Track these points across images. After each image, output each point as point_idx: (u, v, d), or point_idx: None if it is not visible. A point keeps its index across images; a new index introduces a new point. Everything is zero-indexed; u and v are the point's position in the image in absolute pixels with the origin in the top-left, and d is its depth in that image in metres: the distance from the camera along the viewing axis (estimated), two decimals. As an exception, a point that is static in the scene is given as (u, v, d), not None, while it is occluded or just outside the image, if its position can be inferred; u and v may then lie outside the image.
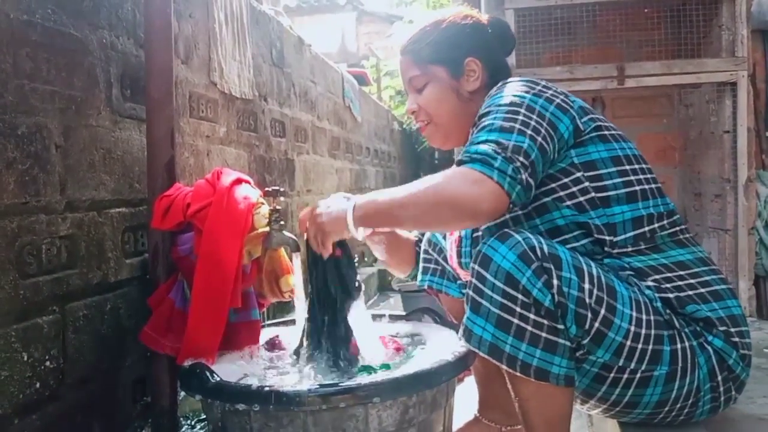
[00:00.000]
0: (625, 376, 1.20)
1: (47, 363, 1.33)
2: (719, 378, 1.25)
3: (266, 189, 1.55)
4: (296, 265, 1.59)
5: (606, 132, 1.34)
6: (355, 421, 1.23)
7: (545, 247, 1.15)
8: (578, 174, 1.29)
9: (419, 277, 1.70)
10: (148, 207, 1.57)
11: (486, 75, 1.44)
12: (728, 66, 2.47)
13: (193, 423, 1.62)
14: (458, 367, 1.33)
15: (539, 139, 1.22)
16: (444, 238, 1.63)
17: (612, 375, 1.20)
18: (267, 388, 1.22)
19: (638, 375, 1.20)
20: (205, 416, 1.60)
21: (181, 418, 1.62)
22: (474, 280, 1.18)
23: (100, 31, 1.54)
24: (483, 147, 1.18)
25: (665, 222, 1.31)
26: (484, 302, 1.16)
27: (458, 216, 1.19)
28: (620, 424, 1.36)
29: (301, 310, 1.58)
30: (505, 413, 1.66)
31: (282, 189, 1.57)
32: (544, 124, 1.24)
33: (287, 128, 3.26)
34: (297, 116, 3.45)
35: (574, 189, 1.29)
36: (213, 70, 2.25)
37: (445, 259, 1.62)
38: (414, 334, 1.66)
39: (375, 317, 1.80)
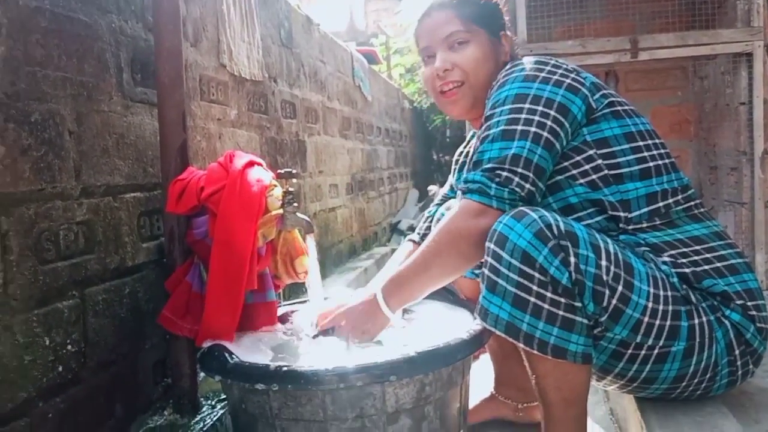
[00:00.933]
0: (643, 352, 1.20)
1: (69, 347, 1.35)
2: (737, 352, 1.24)
3: (279, 171, 1.56)
4: (310, 246, 1.60)
5: (619, 108, 1.33)
6: (373, 399, 1.24)
7: (561, 225, 1.14)
8: (591, 152, 1.30)
9: None
10: (162, 191, 1.58)
11: (510, 53, 1.47)
12: (744, 36, 2.43)
13: (213, 403, 1.64)
14: (473, 344, 1.34)
15: (544, 134, 1.24)
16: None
17: (630, 351, 1.20)
18: (285, 368, 1.23)
19: (656, 351, 1.20)
20: (225, 396, 1.62)
21: (202, 399, 1.65)
22: (490, 259, 1.18)
23: (108, 16, 1.54)
24: (479, 175, 1.23)
25: (680, 197, 1.30)
26: (500, 281, 1.16)
27: (476, 246, 1.24)
28: (637, 399, 1.37)
29: (315, 291, 1.60)
30: (521, 390, 1.67)
31: (294, 171, 1.57)
32: (552, 113, 1.25)
33: (298, 109, 3.25)
34: (307, 97, 3.44)
35: (587, 167, 1.29)
36: (222, 52, 2.24)
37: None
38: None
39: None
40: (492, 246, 1.17)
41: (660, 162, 1.32)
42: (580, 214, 1.30)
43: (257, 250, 1.49)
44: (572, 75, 1.31)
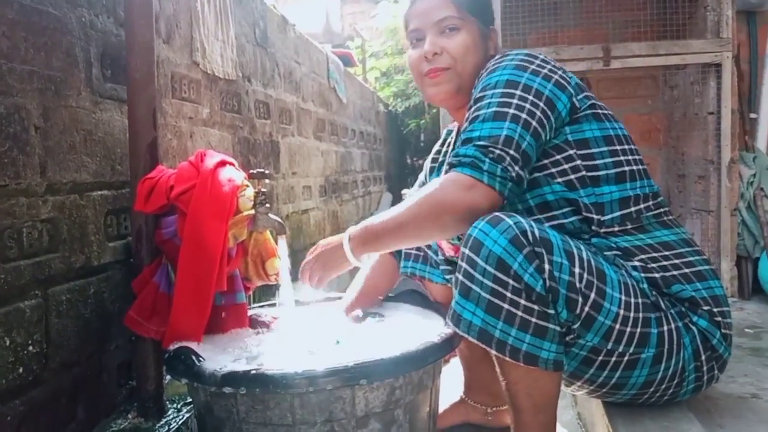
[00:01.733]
0: (613, 359, 1.21)
1: (30, 348, 1.31)
2: (703, 357, 1.26)
3: (251, 171, 1.54)
4: (282, 248, 1.58)
5: (599, 111, 1.35)
6: (342, 402, 1.23)
7: (536, 231, 1.14)
8: (571, 152, 1.30)
9: (401, 263, 1.69)
10: (130, 189, 1.55)
11: (496, 46, 1.47)
12: (713, 47, 2.48)
13: (179, 406, 1.61)
14: (444, 348, 1.34)
15: (533, 123, 1.24)
16: None
17: (600, 358, 1.21)
18: (253, 371, 1.21)
19: (626, 358, 1.20)
20: (191, 400, 1.59)
21: (167, 402, 1.62)
22: (464, 265, 1.17)
23: (79, 10, 1.50)
24: (471, 149, 1.22)
25: (651, 203, 1.32)
26: (474, 287, 1.15)
27: (458, 221, 1.22)
28: (604, 404, 1.38)
29: (286, 293, 1.58)
30: (491, 395, 1.67)
31: (267, 171, 1.55)
32: (541, 105, 1.25)
33: (272, 109, 3.23)
34: (281, 97, 3.41)
35: (566, 166, 1.30)
36: (195, 50, 2.21)
37: (428, 245, 1.61)
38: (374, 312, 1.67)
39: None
40: (467, 251, 1.17)
41: (635, 167, 1.33)
42: (555, 212, 1.30)
43: (228, 251, 1.47)
44: (559, 72, 1.32)
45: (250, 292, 1.66)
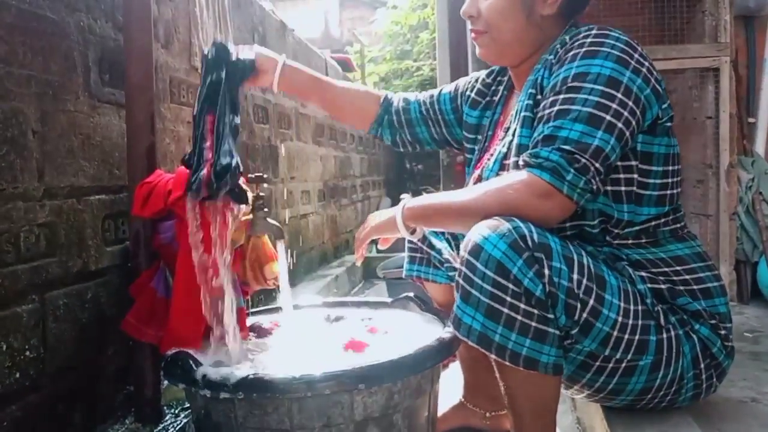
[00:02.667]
0: (611, 365, 1.20)
1: (27, 352, 1.31)
2: (702, 365, 1.26)
3: (249, 176, 1.53)
4: (280, 253, 1.58)
5: (672, 123, 1.28)
6: (341, 407, 1.23)
7: (536, 236, 1.13)
8: (633, 163, 1.24)
9: (405, 267, 1.69)
10: (128, 194, 1.54)
11: (565, 0, 1.31)
12: (711, 52, 2.48)
13: (176, 412, 1.61)
14: (443, 353, 1.33)
15: (627, 134, 1.17)
16: None
17: (598, 363, 1.20)
18: (251, 376, 1.21)
19: (624, 364, 1.20)
20: (188, 405, 1.58)
21: (165, 407, 1.61)
22: (464, 269, 1.16)
23: (77, 14, 1.50)
24: (556, 155, 1.13)
25: (669, 218, 1.29)
26: (474, 291, 1.14)
27: None
28: (604, 409, 1.37)
29: (285, 298, 1.57)
30: (490, 399, 1.67)
31: (266, 176, 1.55)
32: (638, 113, 1.18)
33: (270, 114, 3.23)
34: (280, 102, 3.41)
35: (622, 176, 1.24)
36: (194, 54, 2.21)
37: (430, 246, 1.61)
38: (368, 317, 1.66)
39: (359, 304, 1.80)
40: (467, 256, 1.15)
41: (675, 191, 1.29)
42: (585, 221, 1.26)
43: (225, 256, 1.46)
44: (655, 73, 1.23)
45: (249, 297, 1.65)
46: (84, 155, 1.51)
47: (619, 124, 1.15)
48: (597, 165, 1.13)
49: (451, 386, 1.76)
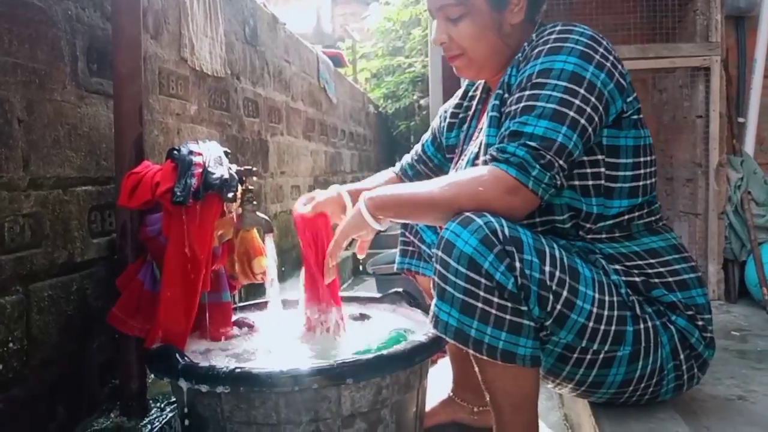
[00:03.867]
0: (588, 356, 1.20)
1: (10, 344, 1.29)
2: (681, 356, 1.26)
3: (238, 169, 1.52)
4: (269, 247, 1.57)
5: (641, 116, 1.28)
6: (328, 402, 1.22)
7: (506, 230, 1.13)
8: (599, 157, 1.25)
9: (397, 260, 1.69)
10: (115, 185, 1.53)
11: (528, 2, 1.33)
12: (702, 51, 2.48)
13: (162, 406, 1.60)
14: (432, 348, 1.33)
15: (589, 130, 1.18)
16: None
17: (575, 355, 1.20)
18: (238, 370, 1.20)
19: (601, 355, 1.20)
20: (174, 399, 1.57)
21: (150, 401, 1.60)
22: (438, 266, 1.16)
23: (65, 2, 1.48)
24: (522, 150, 1.14)
25: (644, 211, 1.30)
26: (448, 288, 1.15)
27: None
28: (591, 405, 1.38)
29: (273, 292, 1.56)
30: (479, 393, 1.65)
31: (255, 169, 1.54)
32: (601, 108, 1.19)
33: (260, 108, 3.21)
34: (271, 96, 3.39)
35: (588, 170, 1.25)
36: (184, 46, 2.19)
37: (421, 240, 1.61)
38: (363, 313, 1.67)
39: (348, 300, 1.79)
40: (439, 253, 1.16)
41: (648, 182, 1.29)
42: (555, 216, 1.27)
43: (213, 250, 1.45)
44: (620, 67, 1.24)
45: (236, 291, 1.64)
46: (70, 145, 1.49)
47: (582, 120, 1.17)
48: (561, 162, 1.15)
49: (440, 381, 1.76)
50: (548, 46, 1.23)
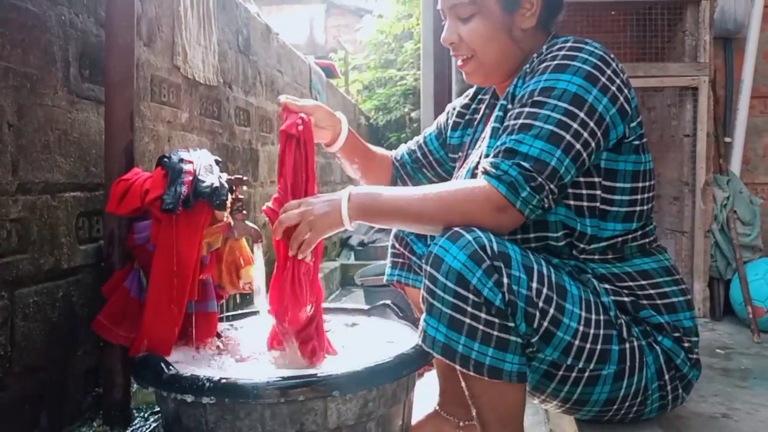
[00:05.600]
0: (574, 374, 1.20)
1: (-7, 351, 1.28)
2: (666, 377, 1.26)
3: (228, 178, 1.52)
4: (257, 256, 1.56)
5: (643, 141, 1.28)
6: (314, 414, 1.21)
7: (495, 245, 1.13)
8: (596, 179, 1.24)
9: (387, 272, 1.69)
10: (104, 192, 1.52)
11: (542, 7, 1.30)
12: (690, 71, 2.51)
13: (146, 415, 1.58)
14: (419, 361, 1.33)
15: (584, 155, 1.17)
16: (411, 232, 1.61)
17: (560, 373, 1.20)
18: (224, 380, 1.19)
19: (586, 374, 1.20)
20: (159, 408, 1.56)
21: (134, 411, 1.58)
22: (426, 281, 1.16)
23: (58, 8, 1.48)
24: (515, 170, 1.14)
25: (638, 234, 1.30)
26: (436, 303, 1.15)
27: None
28: (576, 421, 1.38)
29: (261, 302, 1.56)
30: (465, 407, 1.65)
31: (245, 178, 1.53)
32: (599, 134, 1.18)
33: (252, 117, 3.21)
34: (262, 105, 3.40)
35: (584, 191, 1.24)
36: (177, 54, 2.19)
37: (412, 252, 1.61)
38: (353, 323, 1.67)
39: (336, 311, 1.79)
40: (428, 268, 1.16)
41: (645, 207, 1.29)
42: (549, 233, 1.27)
43: (201, 259, 1.44)
44: (626, 91, 1.22)
45: (223, 301, 1.64)
46: (60, 151, 1.48)
47: (578, 145, 1.16)
48: (551, 185, 1.15)
49: (426, 394, 1.75)
50: (555, 62, 1.21)
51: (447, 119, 1.63)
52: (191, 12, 2.29)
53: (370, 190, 1.27)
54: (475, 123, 1.52)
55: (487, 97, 1.51)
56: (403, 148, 1.72)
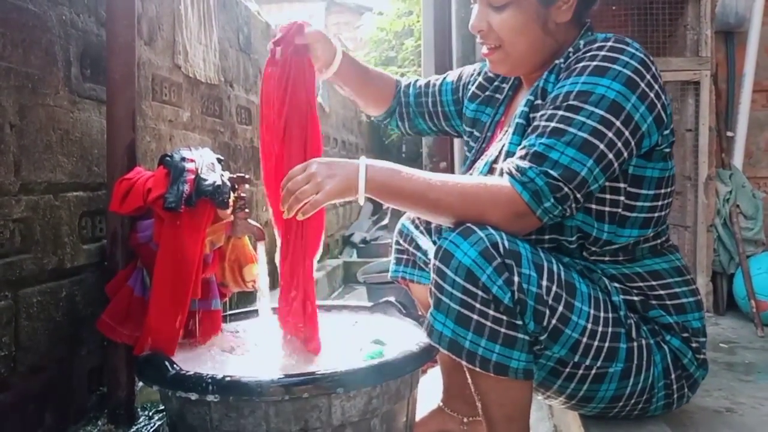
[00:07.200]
0: (581, 371, 1.20)
1: (-2, 351, 1.28)
2: (673, 376, 1.26)
3: (231, 176, 1.52)
4: (260, 254, 1.56)
5: (672, 148, 1.26)
6: (318, 411, 1.22)
7: (506, 243, 1.12)
8: (622, 185, 1.22)
9: (391, 268, 1.68)
10: (107, 191, 1.52)
11: (578, 1, 1.25)
12: (692, 65, 2.51)
13: (150, 414, 1.58)
14: (423, 358, 1.33)
15: (615, 164, 1.15)
16: (416, 227, 1.61)
17: (567, 370, 1.20)
18: (228, 378, 1.19)
19: (593, 371, 1.20)
20: (163, 407, 1.56)
21: (139, 409, 1.59)
22: (435, 276, 1.16)
23: (59, 8, 1.48)
24: (542, 180, 1.11)
25: (651, 236, 1.28)
26: (444, 298, 1.14)
27: None
28: (581, 417, 1.38)
29: (264, 300, 1.56)
30: (469, 404, 1.66)
31: (247, 176, 1.53)
32: (633, 143, 1.16)
33: (253, 115, 3.21)
34: (264, 104, 3.39)
35: (608, 197, 1.22)
36: (177, 52, 2.19)
37: (416, 248, 1.61)
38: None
39: (339, 308, 1.79)
40: (437, 263, 1.15)
41: (663, 213, 1.27)
42: (564, 237, 1.25)
43: (204, 258, 1.45)
44: (663, 98, 1.19)
45: (227, 299, 1.64)
46: (62, 151, 1.48)
47: (610, 155, 1.14)
48: (578, 195, 1.13)
49: (430, 391, 1.76)
50: (594, 63, 1.17)
51: (468, 83, 1.55)
52: (191, 11, 2.29)
53: (386, 165, 1.20)
54: (497, 104, 1.47)
55: (512, 77, 1.46)
56: (410, 85, 1.64)
